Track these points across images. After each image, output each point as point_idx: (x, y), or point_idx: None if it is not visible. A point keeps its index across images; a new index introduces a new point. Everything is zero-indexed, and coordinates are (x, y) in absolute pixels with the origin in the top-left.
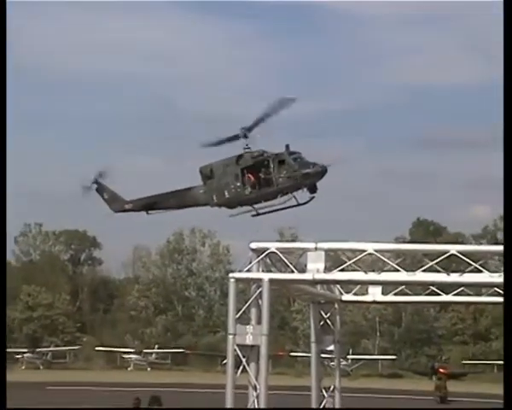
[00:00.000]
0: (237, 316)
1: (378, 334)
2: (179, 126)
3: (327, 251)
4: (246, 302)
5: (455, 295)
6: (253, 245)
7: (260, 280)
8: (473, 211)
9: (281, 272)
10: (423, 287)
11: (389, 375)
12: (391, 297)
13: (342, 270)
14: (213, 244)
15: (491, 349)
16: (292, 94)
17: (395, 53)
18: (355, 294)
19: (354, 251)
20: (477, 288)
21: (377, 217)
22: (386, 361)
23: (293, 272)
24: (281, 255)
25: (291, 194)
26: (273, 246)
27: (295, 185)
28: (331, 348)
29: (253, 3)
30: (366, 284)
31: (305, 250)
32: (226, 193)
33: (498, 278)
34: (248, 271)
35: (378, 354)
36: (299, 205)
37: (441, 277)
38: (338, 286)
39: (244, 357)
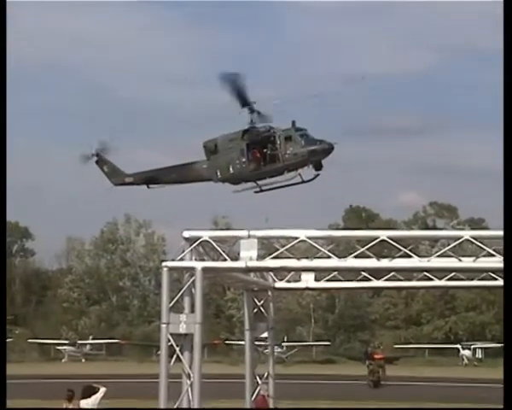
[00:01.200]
0: (171, 305)
1: (312, 320)
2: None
3: (260, 239)
4: (180, 291)
5: (386, 280)
6: (186, 234)
7: (193, 269)
8: (404, 197)
9: (214, 260)
10: (356, 273)
11: (323, 361)
12: (323, 283)
13: (275, 257)
14: (148, 234)
15: (422, 333)
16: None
17: (331, 42)
18: (288, 281)
19: (287, 238)
20: (408, 273)
21: (312, 204)
22: (320, 347)
23: (226, 260)
24: (214, 244)
25: (296, 171)
26: (206, 235)
27: (301, 162)
28: (265, 335)
29: None
30: (298, 270)
31: (237, 238)
32: (231, 168)
33: (427, 262)
34: (182, 260)
35: (313, 341)
36: (303, 182)
37: (371, 262)
38: (271, 273)
39: (178, 346)
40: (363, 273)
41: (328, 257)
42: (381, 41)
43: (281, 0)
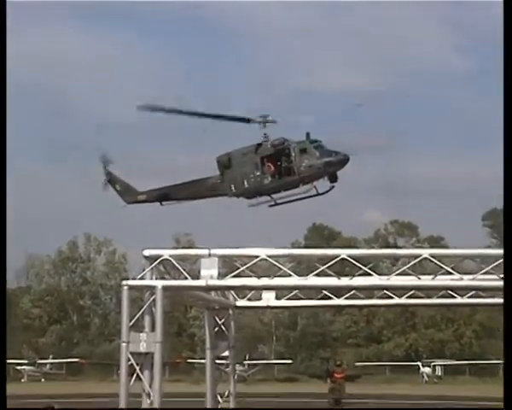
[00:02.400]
0: (131, 324)
1: (274, 338)
2: (77, 135)
3: (221, 257)
4: (140, 310)
5: (347, 298)
6: (147, 252)
7: (153, 287)
8: (366, 216)
9: (175, 279)
10: (317, 291)
11: (285, 379)
12: (284, 302)
13: (236, 276)
14: (109, 252)
15: (383, 351)
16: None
17: (287, 56)
18: (249, 299)
19: (248, 257)
20: (368, 291)
21: (275, 223)
22: (282, 365)
23: (186, 278)
24: (174, 262)
25: (312, 183)
26: (166, 253)
27: (317, 174)
28: (226, 353)
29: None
30: (259, 289)
31: (198, 257)
32: (245, 182)
33: (387, 280)
34: (142, 278)
35: (274, 359)
36: (318, 195)
37: (332, 280)
38: (232, 292)
39: (138, 365)
40: (324, 292)
41: (289, 275)
42: (339, 57)
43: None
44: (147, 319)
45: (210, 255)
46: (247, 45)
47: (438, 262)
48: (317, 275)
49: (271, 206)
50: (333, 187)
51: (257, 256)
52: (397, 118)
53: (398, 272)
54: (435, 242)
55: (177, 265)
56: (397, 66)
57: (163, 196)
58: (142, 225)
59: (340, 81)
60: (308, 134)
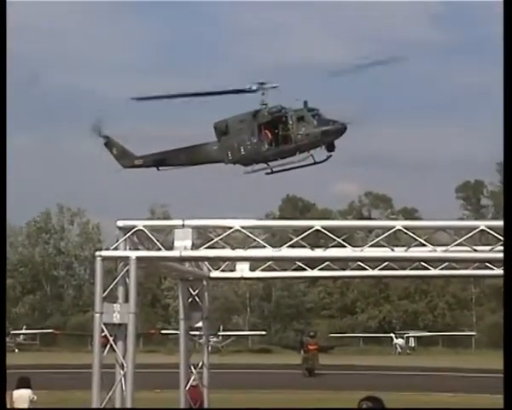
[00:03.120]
0: (105, 295)
1: (248, 310)
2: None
3: (194, 228)
4: (114, 281)
5: (320, 269)
6: (120, 223)
7: (127, 258)
8: (340, 187)
9: (149, 249)
10: (291, 262)
11: (259, 350)
12: (258, 273)
13: (210, 247)
14: (83, 223)
15: (356, 322)
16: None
17: (265, 30)
18: (223, 270)
19: (222, 228)
20: (342, 262)
21: (250, 194)
22: (256, 337)
23: (160, 249)
24: (148, 233)
25: (308, 152)
26: (140, 224)
27: (314, 143)
28: (200, 324)
29: None
30: (233, 260)
31: (172, 228)
32: (242, 149)
33: (361, 252)
34: (116, 249)
35: (248, 330)
36: (315, 163)
37: (306, 252)
38: (206, 263)
39: (111, 336)
40: (298, 263)
41: (263, 247)
42: (318, 30)
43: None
44: (120, 290)
45: (184, 226)
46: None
47: (411, 234)
48: (291, 246)
49: (268, 174)
50: (330, 156)
51: (231, 227)
52: (370, 90)
53: (371, 243)
54: (409, 214)
55: (150, 236)
56: (370, 37)
57: (160, 161)
58: (118, 196)
59: (312, 53)
60: (306, 102)
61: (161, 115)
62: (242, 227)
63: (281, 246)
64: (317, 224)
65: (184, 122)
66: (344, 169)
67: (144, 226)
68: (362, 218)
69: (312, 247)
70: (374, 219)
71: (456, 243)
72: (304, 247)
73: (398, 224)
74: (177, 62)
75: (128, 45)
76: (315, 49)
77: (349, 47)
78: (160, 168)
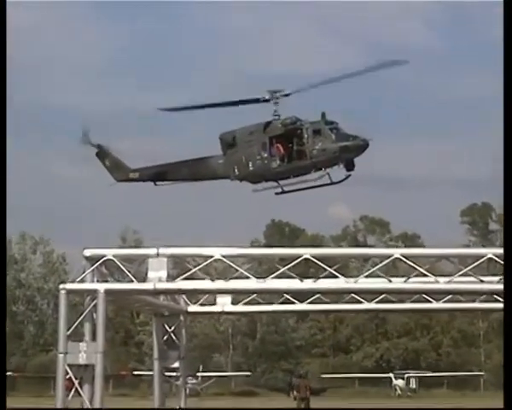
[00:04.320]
0: (69, 332)
1: (231, 347)
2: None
3: (170, 257)
4: (80, 317)
5: (311, 303)
6: (88, 252)
7: (95, 291)
8: (332, 211)
9: (119, 281)
10: (278, 295)
11: (243, 393)
12: (242, 307)
13: (188, 278)
14: (46, 252)
15: (351, 361)
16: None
17: (257, 37)
18: (202, 304)
19: (202, 257)
20: (334, 294)
21: (230, 219)
22: (240, 378)
23: (132, 281)
24: (118, 263)
25: (325, 170)
26: (110, 253)
27: (331, 160)
28: (176, 364)
29: None
30: (213, 293)
31: (146, 257)
32: (250, 165)
33: (355, 283)
34: (82, 281)
35: (231, 370)
36: (332, 184)
37: (294, 283)
38: (184, 296)
39: (77, 378)
40: (285, 295)
41: (247, 278)
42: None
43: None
44: (87, 326)
45: (158, 255)
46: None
47: (411, 263)
48: (278, 277)
49: (278, 193)
50: (349, 176)
51: (211, 256)
52: (367, 103)
53: (367, 273)
54: (409, 240)
55: (121, 266)
56: (371, 50)
57: (158, 174)
58: (85, 222)
59: (302, 63)
60: (323, 114)
61: (161, 128)
62: (224, 256)
63: (266, 277)
64: (307, 252)
65: (186, 134)
66: (337, 190)
67: (114, 256)
68: (357, 245)
69: (301, 278)
70: (370, 246)
71: (461, 272)
72: (292, 278)
73: (397, 252)
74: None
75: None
76: (307, 56)
77: (344, 52)
78: (158, 183)
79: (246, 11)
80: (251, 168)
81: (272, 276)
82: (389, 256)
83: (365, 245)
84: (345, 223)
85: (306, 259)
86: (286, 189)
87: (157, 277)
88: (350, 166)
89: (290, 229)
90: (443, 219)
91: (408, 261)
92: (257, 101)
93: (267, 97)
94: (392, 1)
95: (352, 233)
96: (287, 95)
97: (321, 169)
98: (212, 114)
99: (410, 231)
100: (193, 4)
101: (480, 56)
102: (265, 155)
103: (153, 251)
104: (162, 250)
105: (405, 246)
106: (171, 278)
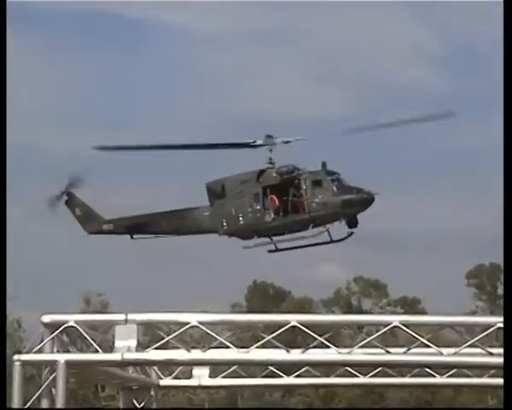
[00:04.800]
0: (26, 408)
1: None
2: None
3: (141, 324)
4: (38, 391)
5: (298, 376)
6: (46, 318)
7: (54, 363)
8: (323, 271)
9: (82, 351)
10: (262, 367)
11: None
12: (220, 380)
13: (160, 348)
14: None
15: None
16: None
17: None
18: (177, 377)
19: (175, 324)
20: (325, 367)
21: (208, 278)
22: None
23: (97, 351)
24: (81, 330)
25: (324, 226)
26: (71, 319)
27: (332, 215)
28: None
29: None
30: (188, 364)
31: (112, 323)
32: (241, 218)
33: (348, 355)
34: (40, 351)
35: None
36: (332, 242)
37: (280, 354)
38: (155, 368)
39: None
40: (270, 368)
41: (227, 347)
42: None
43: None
44: (45, 402)
45: (127, 321)
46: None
47: (411, 332)
48: (262, 347)
49: (271, 251)
50: (351, 234)
51: (186, 323)
52: (359, 152)
53: (362, 343)
54: (409, 305)
55: (84, 334)
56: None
57: (135, 227)
58: (44, 283)
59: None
60: (324, 164)
61: (137, 172)
62: (201, 322)
63: (249, 346)
64: (294, 318)
65: (167, 181)
66: (328, 246)
67: (76, 322)
68: (350, 310)
69: (288, 348)
70: (365, 311)
71: (467, 344)
72: (277, 347)
73: (396, 319)
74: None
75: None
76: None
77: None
78: (135, 236)
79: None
80: (241, 222)
81: (255, 345)
82: (387, 324)
83: (360, 311)
84: (337, 285)
85: (293, 326)
86: (280, 246)
87: (125, 346)
88: (352, 223)
89: (275, 291)
90: (447, 282)
91: (408, 330)
92: (247, 145)
93: (261, 142)
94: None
95: (345, 297)
96: (287, 142)
97: (320, 225)
98: (191, 158)
99: (410, 295)
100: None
101: (483, 99)
102: (258, 207)
103: (120, 317)
104: (131, 316)
105: (405, 312)
106: (141, 347)
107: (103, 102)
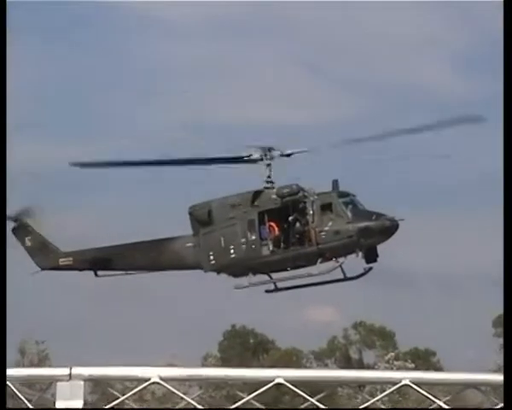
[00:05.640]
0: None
1: None
2: None
3: (89, 380)
4: None
5: None
6: None
7: None
8: (314, 314)
9: None
10: None
11: None
12: None
13: (114, 408)
14: None
15: None
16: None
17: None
18: None
19: (133, 380)
20: None
21: (176, 324)
22: None
23: None
24: (14, 389)
25: (336, 260)
26: None
27: (346, 246)
28: None
29: None
30: None
31: (53, 379)
32: (232, 251)
33: None
34: None
35: None
36: (346, 279)
37: None
38: None
39: None
40: None
41: (195, 409)
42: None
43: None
44: None
45: (71, 377)
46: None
47: (425, 392)
48: (241, 409)
49: (269, 291)
50: (370, 269)
51: (146, 379)
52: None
53: (363, 405)
54: (422, 359)
55: (17, 393)
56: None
57: (101, 261)
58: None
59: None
60: (336, 182)
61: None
62: (163, 379)
63: (223, 408)
64: (279, 374)
65: (142, 204)
66: (318, 290)
67: (8, 378)
68: (348, 365)
69: (272, 409)
70: (367, 366)
71: (496, 407)
72: None
73: (406, 376)
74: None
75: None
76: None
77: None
78: (100, 273)
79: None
80: (233, 256)
81: (232, 407)
82: (395, 382)
83: (361, 365)
84: (332, 332)
85: (279, 384)
86: (280, 285)
87: (69, 408)
88: (371, 256)
89: (256, 340)
90: (468, 331)
91: (421, 390)
92: (240, 160)
93: (257, 156)
94: None
95: (342, 347)
96: (288, 155)
97: (331, 259)
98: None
99: (422, 346)
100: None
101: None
102: (253, 237)
103: (63, 371)
104: (77, 370)
105: (417, 367)
106: (89, 407)
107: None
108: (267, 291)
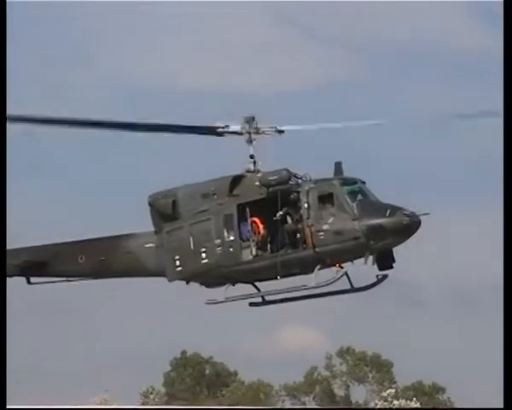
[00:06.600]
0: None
1: None
2: None
3: None
4: None
5: None
6: None
7: None
8: (289, 336)
9: None
10: None
11: None
12: None
13: None
14: None
15: None
16: None
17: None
18: None
19: None
20: None
21: (110, 351)
22: None
23: None
24: None
25: (340, 267)
26: None
27: (352, 249)
28: None
29: None
30: None
31: None
32: (203, 254)
33: None
34: None
35: None
36: (353, 291)
37: None
38: None
39: None
40: None
41: None
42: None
43: None
44: None
45: None
46: None
47: None
48: None
49: (253, 305)
50: (384, 277)
51: None
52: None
53: None
54: (427, 395)
55: None
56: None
57: (34, 266)
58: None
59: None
60: (339, 165)
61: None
62: None
63: None
64: None
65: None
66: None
67: None
68: (332, 403)
69: None
70: (357, 406)
71: None
72: None
73: None
74: None
75: None
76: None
77: None
78: (33, 281)
79: None
80: (204, 260)
81: None
82: None
83: (348, 403)
84: (311, 361)
85: None
86: (268, 298)
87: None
88: (385, 261)
89: (213, 370)
90: (482, 363)
91: None
92: (212, 131)
93: (237, 129)
94: None
95: (324, 381)
96: (279, 131)
97: (332, 264)
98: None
99: (427, 381)
100: None
101: None
102: (231, 237)
103: None
104: None
105: (421, 406)
106: None
107: None
108: (251, 304)
